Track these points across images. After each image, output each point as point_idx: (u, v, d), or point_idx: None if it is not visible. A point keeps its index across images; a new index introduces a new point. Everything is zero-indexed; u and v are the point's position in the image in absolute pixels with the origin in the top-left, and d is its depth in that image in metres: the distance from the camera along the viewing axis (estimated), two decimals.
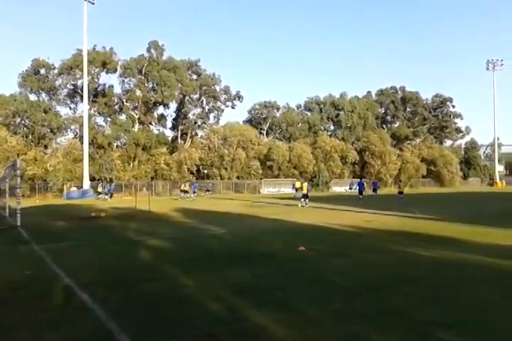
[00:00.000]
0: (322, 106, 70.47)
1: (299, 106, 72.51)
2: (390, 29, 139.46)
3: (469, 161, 73.06)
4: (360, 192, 30.21)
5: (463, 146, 77.69)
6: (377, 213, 18.66)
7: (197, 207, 25.02)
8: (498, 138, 75.14)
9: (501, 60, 68.47)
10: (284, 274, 7.09)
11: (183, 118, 58.95)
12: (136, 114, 53.80)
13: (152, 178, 48.44)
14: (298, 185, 33.91)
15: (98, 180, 42.82)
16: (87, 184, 40.66)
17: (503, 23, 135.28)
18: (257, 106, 68.95)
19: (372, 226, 13.67)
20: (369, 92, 76.55)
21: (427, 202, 29.26)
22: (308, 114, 70.97)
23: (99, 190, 38.54)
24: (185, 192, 36.46)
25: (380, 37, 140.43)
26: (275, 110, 69.38)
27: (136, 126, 53.82)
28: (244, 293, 5.92)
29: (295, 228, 14.07)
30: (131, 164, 49.71)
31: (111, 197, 36.05)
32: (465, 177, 68.86)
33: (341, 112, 68.92)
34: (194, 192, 37.75)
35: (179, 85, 54.44)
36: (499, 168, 72.54)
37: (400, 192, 29.56)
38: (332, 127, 71.87)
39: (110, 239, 12.03)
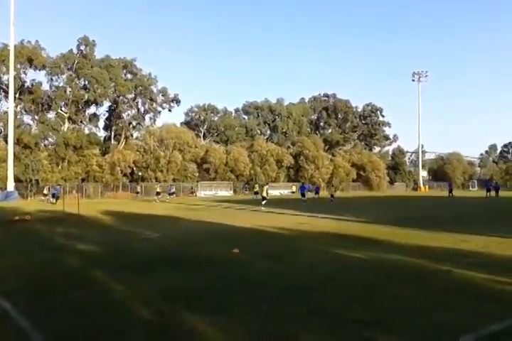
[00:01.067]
0: (259, 110, 71.52)
1: (237, 110, 73.08)
2: (327, 37, 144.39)
3: (396, 167, 77.35)
4: (303, 194, 31.48)
5: (390, 153, 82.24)
6: (311, 216, 19.21)
7: (129, 210, 24.37)
8: (422, 146, 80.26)
9: (426, 72, 73.22)
10: (217, 277, 7.13)
11: (117, 118, 57.18)
12: (66, 113, 51.40)
13: (83, 180, 46.44)
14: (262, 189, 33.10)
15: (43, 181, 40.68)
16: (11, 185, 38.19)
17: (428, 36, 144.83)
18: (195, 109, 68.58)
19: (305, 229, 14.05)
20: (303, 99, 78.84)
21: (357, 205, 30.57)
22: (246, 118, 71.71)
23: (45, 192, 37.05)
24: (158, 194, 37.04)
25: (317, 44, 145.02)
26: (213, 113, 69.36)
27: (66, 125, 51.43)
28: (176, 297, 5.89)
29: (230, 231, 14.15)
30: (60, 165, 47.36)
31: (57, 199, 33.83)
32: (392, 181, 72.72)
33: (278, 117, 70.37)
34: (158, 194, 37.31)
35: (113, 84, 52.77)
36: (423, 174, 77.28)
37: (332, 195, 32.17)
38: (268, 132, 73.14)
39: (36, 244, 11.41)
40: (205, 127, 67.49)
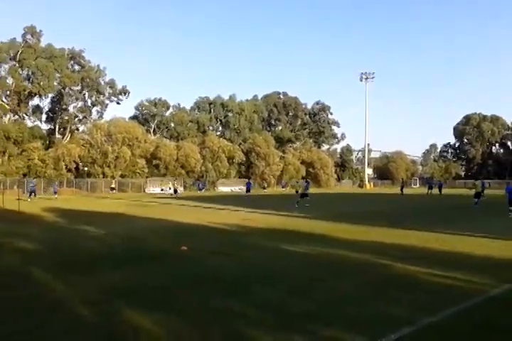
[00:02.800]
0: (212, 106, 71.12)
1: (189, 106, 72.30)
2: (281, 35, 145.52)
3: (343, 164, 79.56)
4: (248, 190, 31.80)
5: (338, 151, 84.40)
6: (257, 212, 19.43)
7: (75, 207, 23.57)
8: (368, 144, 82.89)
9: (373, 73, 75.61)
10: (164, 274, 7.08)
11: (62, 111, 54.94)
12: (8, 104, 48.75)
13: (25, 175, 44.28)
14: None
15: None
16: None
17: (376, 37, 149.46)
18: (146, 103, 67.09)
19: (252, 225, 14.21)
20: (255, 96, 79.29)
21: (304, 201, 31.07)
22: (198, 113, 71.09)
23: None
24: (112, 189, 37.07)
25: (271, 41, 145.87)
26: (164, 108, 68.17)
27: (8, 117, 48.78)
28: (121, 295, 5.78)
29: (178, 227, 14.04)
30: (0, 159, 44.91)
31: (34, 196, 30.99)
32: (339, 179, 74.71)
33: (230, 114, 70.29)
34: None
35: (58, 75, 50.62)
36: (368, 171, 79.90)
37: (297, 191, 32.80)
38: (220, 128, 72.94)
39: None
40: (155, 122, 66.21)
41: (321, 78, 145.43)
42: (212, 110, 71.08)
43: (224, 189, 54.03)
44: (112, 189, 38.76)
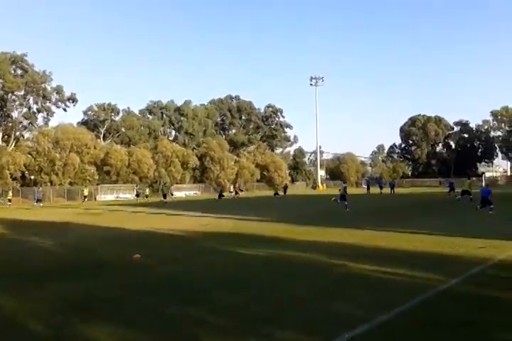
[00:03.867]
0: (165, 111, 70.19)
1: (140, 111, 70.89)
2: (232, 39, 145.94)
3: (297, 167, 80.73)
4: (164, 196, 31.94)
5: (291, 153, 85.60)
6: (213, 217, 19.38)
7: (21, 217, 22.53)
8: (320, 146, 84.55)
9: (322, 77, 77.32)
10: (118, 284, 6.92)
11: (6, 117, 52.40)
12: None
13: None
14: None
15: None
16: None
17: (326, 40, 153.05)
18: (95, 108, 65.09)
19: (208, 230, 14.16)
20: (213, 100, 79.25)
21: (260, 204, 31.37)
22: (150, 117, 69.98)
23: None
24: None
25: (224, 46, 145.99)
26: (114, 113, 66.51)
27: None
28: (72, 307, 5.61)
29: (131, 235, 13.76)
30: None
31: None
32: (293, 181, 75.70)
33: (183, 118, 69.70)
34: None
35: (0, 80, 48.27)
36: (321, 173, 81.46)
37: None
38: (173, 133, 72.16)
39: None
40: (105, 127, 64.48)
41: (273, 82, 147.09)
42: (164, 115, 70.16)
43: (178, 194, 53.36)
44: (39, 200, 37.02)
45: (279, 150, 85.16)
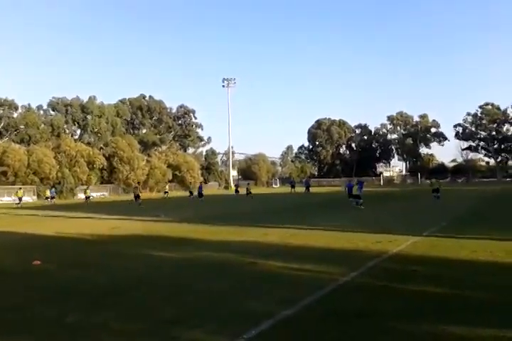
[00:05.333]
0: (69, 108, 66.19)
1: (40, 107, 66.12)
2: (145, 38, 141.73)
3: (209, 167, 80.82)
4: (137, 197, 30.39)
5: (204, 153, 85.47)
6: (123, 219, 18.84)
7: None
8: (232, 147, 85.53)
9: (234, 79, 78.28)
10: (15, 293, 6.54)
11: None
12: None
13: None
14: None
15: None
16: None
17: (236, 42, 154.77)
18: None
19: (117, 233, 13.76)
20: (124, 98, 76.49)
21: (172, 205, 30.96)
22: (53, 114, 65.62)
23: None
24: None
25: (133, 44, 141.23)
26: (12, 109, 61.36)
27: None
28: None
29: (31, 240, 12.92)
30: None
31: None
32: (206, 181, 75.71)
33: (89, 116, 66.31)
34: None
35: None
36: (233, 173, 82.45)
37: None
38: (79, 131, 68.44)
39: None
40: (1, 124, 59.26)
41: (187, 83, 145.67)
42: (68, 112, 66.16)
43: (83, 196, 50.66)
44: None
45: (191, 151, 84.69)
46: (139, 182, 52.72)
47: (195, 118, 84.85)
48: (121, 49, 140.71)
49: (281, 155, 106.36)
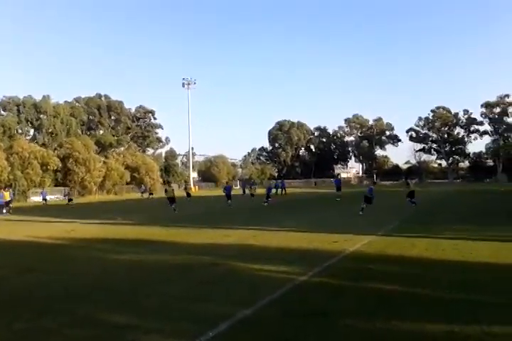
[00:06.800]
0: (21, 107, 63.55)
1: None
2: (97, 36, 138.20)
3: (169, 168, 79.83)
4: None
5: (163, 155, 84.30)
6: (79, 222, 18.33)
7: None
8: (192, 148, 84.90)
9: (195, 79, 77.73)
10: None
11: None
12: None
13: None
14: None
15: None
16: None
17: (199, 43, 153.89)
18: None
19: (72, 236, 13.37)
20: (75, 98, 74.21)
21: (130, 207, 30.38)
22: (4, 114, 62.86)
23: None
24: None
25: (88, 43, 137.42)
26: None
27: None
28: None
29: None
30: None
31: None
32: (165, 183, 74.69)
33: (43, 116, 63.95)
34: None
35: None
36: (193, 175, 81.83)
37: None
38: (32, 132, 65.87)
39: None
40: None
41: (147, 83, 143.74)
42: (20, 111, 63.52)
43: (37, 199, 48.81)
44: None
45: (150, 152, 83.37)
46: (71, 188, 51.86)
47: (155, 118, 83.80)
48: (76, 48, 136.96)
49: (244, 156, 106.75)
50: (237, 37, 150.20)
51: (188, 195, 37.09)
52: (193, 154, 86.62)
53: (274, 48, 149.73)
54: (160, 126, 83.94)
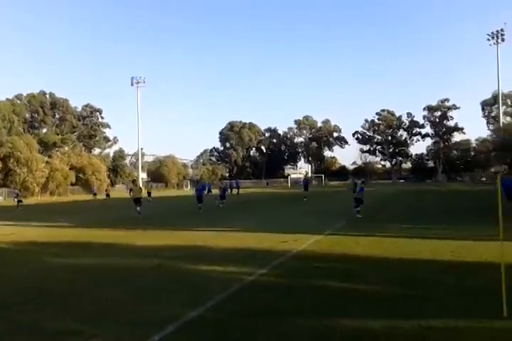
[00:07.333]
0: None
1: None
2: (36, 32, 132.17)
3: (116, 169, 77.74)
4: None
5: (111, 155, 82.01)
6: (19, 225, 17.52)
7: None
8: (142, 148, 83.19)
9: (144, 78, 76.21)
10: None
11: None
12: None
13: None
14: None
15: None
16: None
17: (149, 43, 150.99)
18: None
19: (13, 240, 12.77)
20: (17, 95, 70.69)
21: (74, 209, 29.39)
22: None
23: None
24: None
25: (22, 38, 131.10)
26: None
27: None
28: None
29: None
30: None
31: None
32: (112, 184, 72.71)
33: None
34: None
35: None
36: (143, 175, 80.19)
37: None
38: None
39: None
40: None
41: (94, 81, 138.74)
42: None
43: None
44: None
45: (97, 152, 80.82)
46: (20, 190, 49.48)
47: (102, 118, 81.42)
48: (21, 42, 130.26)
49: (197, 157, 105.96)
50: (189, 36, 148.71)
51: (149, 194, 36.30)
52: (143, 154, 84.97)
53: (226, 48, 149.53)
54: (108, 126, 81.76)
